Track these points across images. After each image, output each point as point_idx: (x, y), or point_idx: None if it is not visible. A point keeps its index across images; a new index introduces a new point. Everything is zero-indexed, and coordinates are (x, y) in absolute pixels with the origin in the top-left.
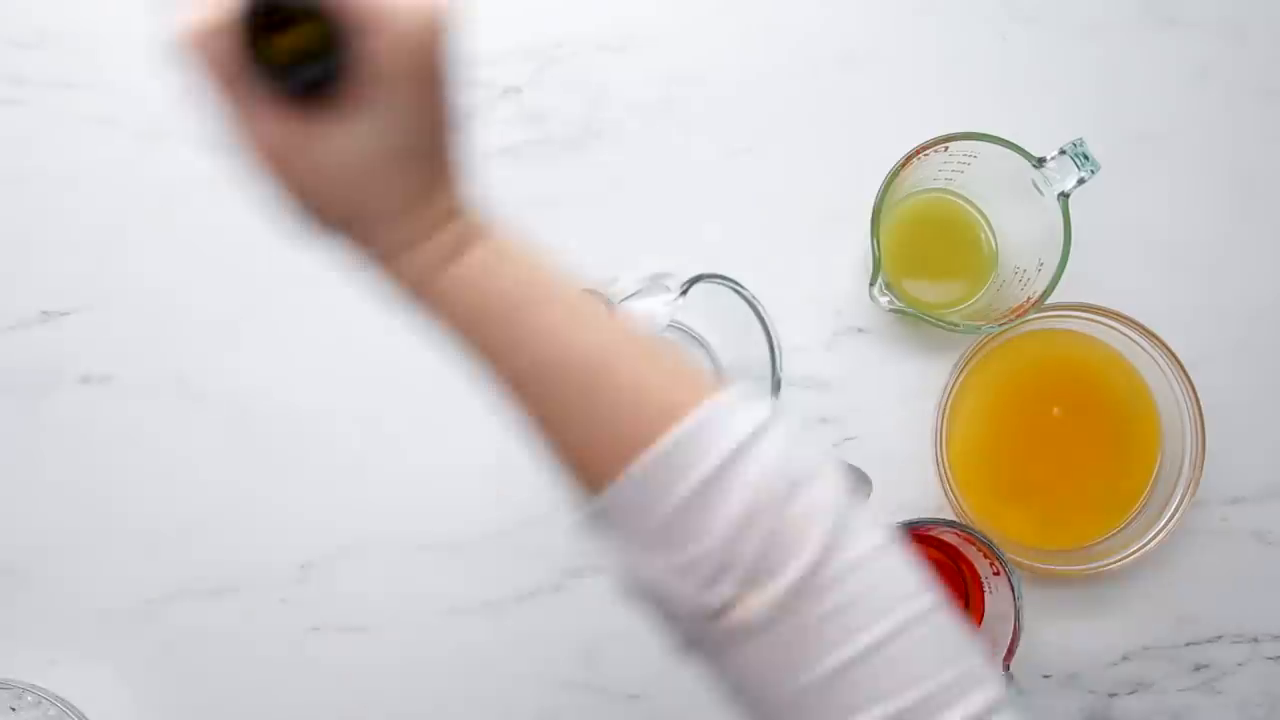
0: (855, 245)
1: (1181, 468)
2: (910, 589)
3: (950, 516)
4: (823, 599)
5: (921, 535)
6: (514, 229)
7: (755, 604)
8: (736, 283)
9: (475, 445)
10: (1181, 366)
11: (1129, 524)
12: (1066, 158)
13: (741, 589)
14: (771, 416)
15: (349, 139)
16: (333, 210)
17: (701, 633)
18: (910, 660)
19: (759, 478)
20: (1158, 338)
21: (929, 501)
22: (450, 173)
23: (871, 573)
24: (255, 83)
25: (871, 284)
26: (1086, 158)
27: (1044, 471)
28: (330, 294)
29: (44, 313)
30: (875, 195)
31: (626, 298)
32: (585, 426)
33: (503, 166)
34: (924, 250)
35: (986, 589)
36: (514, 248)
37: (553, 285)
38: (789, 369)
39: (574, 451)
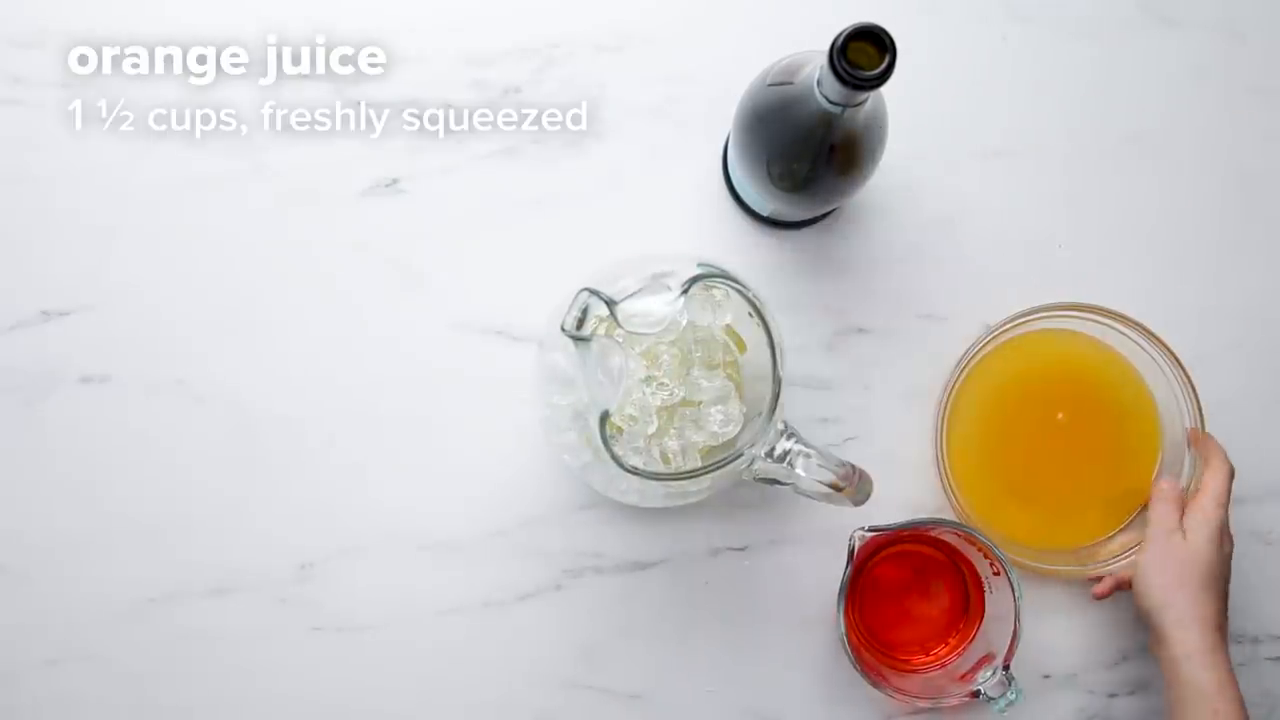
0: (856, 243)
1: (1181, 468)
2: None
3: (950, 516)
4: None
5: (921, 535)
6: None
7: None
8: (738, 282)
9: (475, 446)
10: (1182, 366)
11: (1129, 524)
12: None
13: None
14: None
15: None
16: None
17: None
18: None
19: None
20: (1158, 338)
21: (929, 501)
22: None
23: None
24: None
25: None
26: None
27: (1044, 472)
28: (330, 295)
29: (44, 313)
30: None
31: (627, 297)
32: None
33: (503, 166)
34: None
35: (986, 589)
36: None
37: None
38: (789, 369)
39: None
